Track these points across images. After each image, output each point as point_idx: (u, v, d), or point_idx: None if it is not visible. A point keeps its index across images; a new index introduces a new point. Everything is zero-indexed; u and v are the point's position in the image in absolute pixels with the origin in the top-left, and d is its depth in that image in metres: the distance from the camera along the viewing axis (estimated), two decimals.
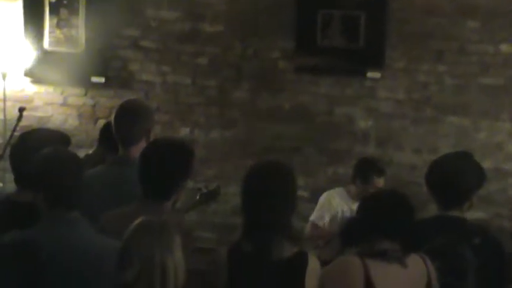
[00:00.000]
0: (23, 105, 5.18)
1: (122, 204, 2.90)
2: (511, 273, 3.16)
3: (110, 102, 6.02)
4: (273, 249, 2.64)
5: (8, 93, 6.04)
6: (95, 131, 5.97)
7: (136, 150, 3.20)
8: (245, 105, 6.08)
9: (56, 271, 2.53)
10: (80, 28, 6.08)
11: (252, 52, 6.06)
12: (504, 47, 5.72)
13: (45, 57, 6.12)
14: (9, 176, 3.47)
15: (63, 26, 6.09)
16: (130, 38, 6.16)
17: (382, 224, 2.73)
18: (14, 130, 4.72)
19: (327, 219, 5.13)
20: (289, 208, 2.73)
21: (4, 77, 5.96)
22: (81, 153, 4.61)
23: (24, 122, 5.02)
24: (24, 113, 4.97)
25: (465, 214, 3.21)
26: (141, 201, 2.88)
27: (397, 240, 2.72)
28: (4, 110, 5.97)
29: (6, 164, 4.51)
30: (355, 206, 4.85)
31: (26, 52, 6.09)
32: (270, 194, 2.68)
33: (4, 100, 6.00)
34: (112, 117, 3.46)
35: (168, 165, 2.88)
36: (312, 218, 5.19)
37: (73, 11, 6.07)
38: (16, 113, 4.88)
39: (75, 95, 6.24)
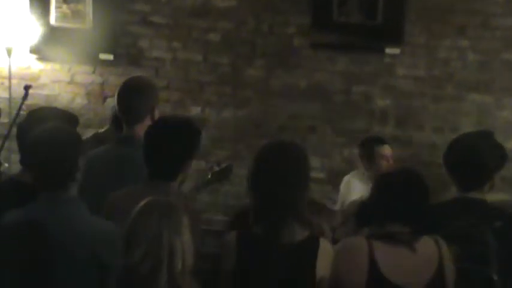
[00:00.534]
0: (29, 83, 5.17)
1: (126, 184, 2.90)
2: None
3: (118, 80, 5.92)
4: (283, 232, 2.64)
5: (13, 70, 6.04)
6: (103, 110, 6.00)
7: (141, 128, 3.21)
8: (259, 83, 6.05)
9: (57, 253, 2.54)
10: (88, 3, 6.05)
11: (266, 28, 6.03)
12: None
13: (52, 33, 6.10)
14: (15, 157, 3.48)
15: (70, 0, 6.08)
16: (139, 13, 6.14)
17: (393, 205, 2.71)
18: (20, 109, 4.71)
19: None
20: (301, 190, 2.71)
21: (9, 53, 5.96)
22: (90, 133, 4.65)
23: (30, 101, 5.01)
24: (30, 91, 4.96)
25: (486, 196, 3.18)
26: (146, 181, 2.89)
27: (410, 223, 2.69)
28: (9, 88, 5.97)
29: (12, 144, 4.52)
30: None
31: (32, 28, 6.08)
32: (281, 175, 2.67)
33: (9, 78, 6.00)
34: (115, 95, 3.47)
35: (174, 144, 2.88)
36: (337, 207, 5.21)
37: None
38: (22, 91, 4.87)
39: (83, 73, 6.23)
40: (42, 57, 6.20)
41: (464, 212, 3.00)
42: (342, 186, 5.23)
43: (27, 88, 4.90)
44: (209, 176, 3.88)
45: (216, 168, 3.93)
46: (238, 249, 2.67)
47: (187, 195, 3.50)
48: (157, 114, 3.36)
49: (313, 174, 5.58)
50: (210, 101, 6.12)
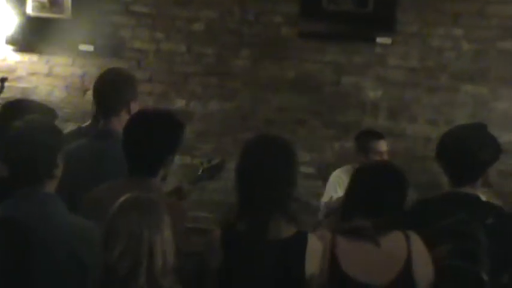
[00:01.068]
0: (5, 75, 5.15)
1: (103, 180, 2.89)
2: None
3: (99, 72, 5.93)
4: (269, 228, 2.63)
5: None
6: (83, 103, 5.97)
7: (118, 122, 3.24)
8: (245, 74, 6.04)
9: (38, 251, 2.53)
10: None
11: (253, 17, 6.01)
12: None
13: (29, 23, 6.07)
14: None
15: None
16: (121, 2, 6.11)
17: (363, 199, 2.77)
18: None
19: None
20: (288, 186, 2.71)
21: None
22: (69, 128, 4.63)
23: (6, 94, 4.99)
24: (6, 84, 4.95)
25: (479, 191, 3.19)
26: (126, 177, 2.87)
27: (382, 217, 2.72)
28: None
29: None
30: None
31: (8, 18, 6.04)
32: (267, 170, 2.66)
33: None
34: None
35: (155, 138, 2.86)
36: (324, 200, 5.20)
37: None
38: None
39: (62, 65, 6.20)
40: (18, 49, 6.16)
41: (456, 207, 2.99)
42: (331, 179, 5.21)
43: (3, 80, 4.88)
44: (199, 173, 3.87)
45: (207, 165, 3.92)
46: (223, 248, 2.66)
47: (182, 191, 3.51)
48: (135, 107, 3.36)
49: (303, 168, 5.67)
50: (195, 93, 6.10)
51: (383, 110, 5.90)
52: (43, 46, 6.11)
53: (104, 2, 6.08)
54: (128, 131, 2.92)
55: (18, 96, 5.75)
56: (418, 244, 2.75)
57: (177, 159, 3.09)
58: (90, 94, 5.76)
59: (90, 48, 6.10)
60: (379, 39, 5.83)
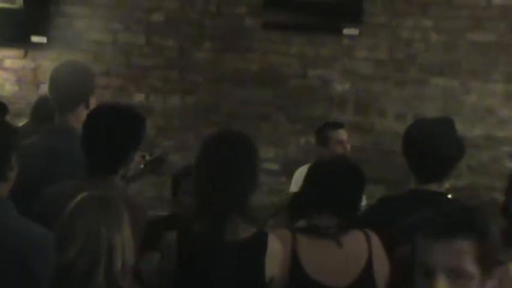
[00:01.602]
0: None
1: (59, 179, 2.86)
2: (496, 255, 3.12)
3: (53, 65, 5.86)
4: (227, 229, 2.61)
5: None
6: (36, 97, 5.91)
7: (74, 118, 3.20)
8: (207, 67, 6.03)
9: None
10: None
11: (215, 8, 6.01)
12: None
13: None
14: None
15: None
16: None
17: (322, 196, 2.75)
18: None
19: None
20: (247, 184, 2.70)
21: None
22: (21, 123, 4.58)
23: None
24: None
25: (445, 189, 3.20)
26: (85, 175, 2.85)
27: (340, 215, 2.72)
28: None
29: None
30: None
31: None
32: (225, 167, 2.64)
33: None
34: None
35: (115, 134, 2.84)
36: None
37: None
38: None
39: (13, 57, 6.14)
40: None
41: (422, 205, 2.96)
42: (295, 177, 5.22)
43: None
44: (142, 166, 3.87)
45: (148, 158, 3.92)
46: (179, 249, 2.63)
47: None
48: (93, 103, 3.33)
49: (267, 165, 5.69)
50: (154, 87, 6.08)
51: (350, 103, 5.93)
52: None
53: None
54: (87, 127, 2.90)
55: None
56: (377, 244, 2.76)
57: (136, 156, 3.07)
58: (43, 88, 5.77)
59: (43, 39, 6.04)
60: (346, 31, 5.86)
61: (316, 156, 5.18)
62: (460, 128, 4.75)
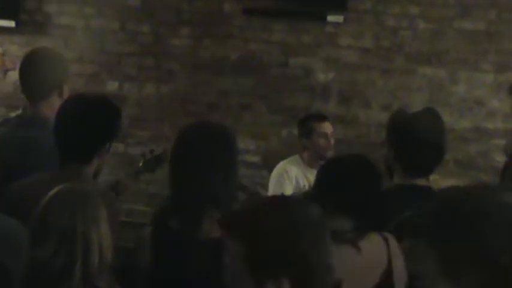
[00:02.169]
0: None
1: (31, 171, 2.86)
2: None
3: (21, 50, 5.85)
4: (203, 226, 2.61)
5: None
6: (4, 85, 5.89)
7: (47, 107, 3.20)
8: (185, 55, 6.02)
9: None
10: None
11: None
12: None
13: None
14: None
15: None
16: None
17: (337, 197, 2.65)
18: None
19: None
20: (225, 178, 2.69)
21: None
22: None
23: None
24: None
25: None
26: (58, 166, 2.85)
27: (356, 217, 2.64)
28: None
29: None
30: (310, 173, 4.95)
31: None
32: (201, 161, 2.64)
33: None
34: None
35: (90, 124, 2.85)
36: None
37: None
38: None
39: None
40: None
41: (412, 201, 2.92)
42: (276, 171, 5.22)
43: None
44: (140, 165, 3.85)
45: (149, 156, 3.90)
46: (153, 246, 2.63)
47: (121, 185, 3.48)
48: (67, 91, 3.33)
49: (247, 157, 5.70)
50: (129, 75, 6.06)
51: (334, 94, 5.94)
52: None
53: None
54: (61, 116, 2.90)
55: None
56: (396, 247, 2.70)
57: (136, 154, 3.07)
58: (11, 75, 5.74)
59: (11, 24, 6.00)
60: (330, 18, 5.86)
61: (301, 152, 5.22)
62: (448, 119, 4.82)
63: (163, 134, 5.83)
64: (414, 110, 3.33)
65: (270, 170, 5.37)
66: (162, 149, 4.05)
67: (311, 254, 1.80)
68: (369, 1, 5.85)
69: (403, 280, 2.68)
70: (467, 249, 1.59)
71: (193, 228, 2.60)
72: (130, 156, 5.57)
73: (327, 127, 5.15)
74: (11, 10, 5.97)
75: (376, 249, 2.68)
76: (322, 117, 5.22)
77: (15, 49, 5.99)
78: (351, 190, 2.68)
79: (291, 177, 5.12)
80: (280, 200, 2.16)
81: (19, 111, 3.90)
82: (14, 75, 4.72)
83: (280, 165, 5.23)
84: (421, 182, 3.08)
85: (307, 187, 4.94)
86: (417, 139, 3.05)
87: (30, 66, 3.38)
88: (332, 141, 5.12)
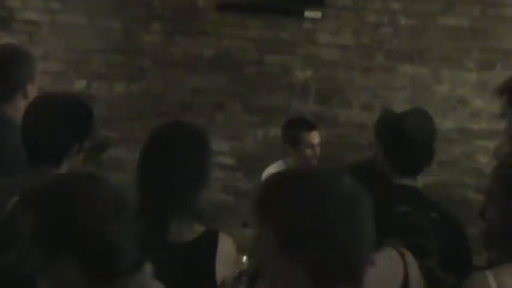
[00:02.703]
0: None
1: None
2: (470, 255, 3.18)
3: None
4: (171, 229, 2.61)
5: None
6: None
7: (12, 108, 3.18)
8: (157, 52, 6.02)
9: None
10: None
11: None
12: None
13: None
14: None
15: None
16: None
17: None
18: None
19: None
20: (196, 180, 2.69)
21: None
22: None
23: None
24: None
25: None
26: (24, 168, 2.84)
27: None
28: None
29: None
30: None
31: None
32: (171, 162, 2.64)
33: None
34: None
35: (60, 124, 2.83)
36: None
37: None
38: None
39: None
40: None
41: (401, 201, 2.99)
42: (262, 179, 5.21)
43: None
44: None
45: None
46: None
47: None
48: (33, 91, 3.31)
49: (221, 159, 5.69)
50: (98, 73, 6.05)
51: (313, 93, 5.95)
52: None
53: None
54: (28, 116, 2.89)
55: None
56: (413, 263, 2.68)
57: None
58: None
59: None
60: (307, 13, 5.87)
61: (285, 157, 5.19)
62: None
63: (134, 134, 5.81)
64: (396, 109, 3.37)
65: (245, 173, 5.39)
66: (103, 136, 4.05)
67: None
68: None
69: None
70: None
71: (161, 233, 2.60)
72: None
73: (315, 137, 5.11)
74: None
75: (392, 265, 2.66)
76: (310, 127, 5.16)
77: None
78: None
79: None
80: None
81: None
82: None
83: (267, 172, 5.21)
84: (407, 182, 3.13)
85: None
86: (407, 139, 3.11)
87: None
88: (318, 150, 5.10)
